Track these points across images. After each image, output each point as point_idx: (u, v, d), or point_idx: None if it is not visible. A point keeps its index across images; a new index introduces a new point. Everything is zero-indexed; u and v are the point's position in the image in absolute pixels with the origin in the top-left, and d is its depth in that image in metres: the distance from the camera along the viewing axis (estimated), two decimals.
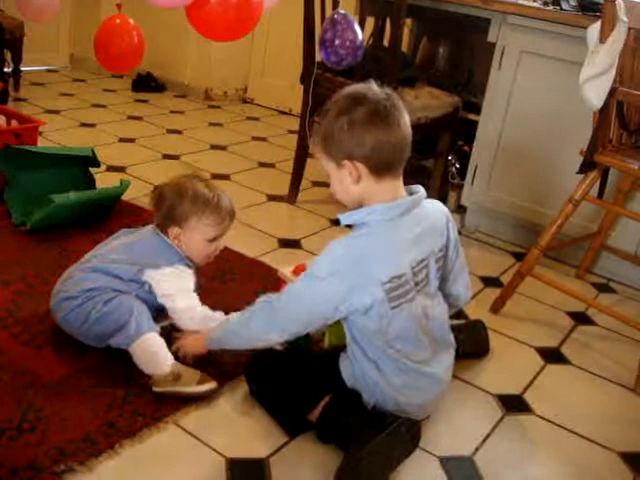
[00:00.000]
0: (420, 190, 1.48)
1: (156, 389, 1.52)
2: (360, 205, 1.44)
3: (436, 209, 1.54)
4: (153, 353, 1.54)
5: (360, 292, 1.38)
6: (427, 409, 1.57)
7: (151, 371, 1.53)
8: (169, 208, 1.66)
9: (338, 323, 1.64)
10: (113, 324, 1.56)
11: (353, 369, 1.50)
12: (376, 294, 1.39)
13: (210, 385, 1.54)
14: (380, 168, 1.40)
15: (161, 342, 1.57)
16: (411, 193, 1.47)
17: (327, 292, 1.40)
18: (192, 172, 1.78)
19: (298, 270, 1.65)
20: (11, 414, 1.40)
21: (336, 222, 2.67)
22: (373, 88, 1.40)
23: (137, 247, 1.70)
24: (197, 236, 1.67)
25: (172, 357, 1.55)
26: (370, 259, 1.39)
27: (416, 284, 1.45)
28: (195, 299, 1.67)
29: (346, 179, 1.41)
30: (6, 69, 3.76)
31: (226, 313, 1.68)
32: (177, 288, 1.65)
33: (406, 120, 1.41)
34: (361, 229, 1.42)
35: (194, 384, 1.52)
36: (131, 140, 3.39)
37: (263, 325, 1.48)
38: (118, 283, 1.63)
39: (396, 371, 1.46)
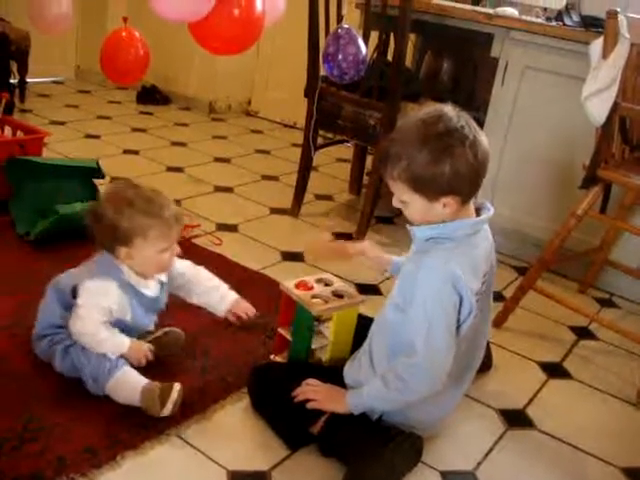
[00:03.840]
0: (490, 207, 1.46)
1: None
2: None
3: (488, 230, 1.51)
4: (124, 395, 1.50)
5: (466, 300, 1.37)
6: (434, 426, 1.57)
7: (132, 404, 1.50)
8: (110, 230, 1.54)
9: (340, 337, 1.64)
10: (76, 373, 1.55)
11: (359, 377, 1.50)
12: (473, 304, 1.38)
13: (169, 405, 1.45)
14: (473, 194, 1.40)
15: (122, 383, 1.50)
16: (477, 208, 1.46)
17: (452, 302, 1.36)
18: (125, 181, 1.60)
19: (301, 284, 1.65)
20: (13, 423, 1.40)
21: (339, 236, 2.68)
22: (450, 115, 1.34)
23: (87, 262, 1.63)
24: (148, 250, 1.56)
25: (139, 387, 1.48)
26: (464, 272, 1.36)
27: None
28: (94, 321, 1.53)
29: (437, 210, 1.37)
30: (12, 80, 3.78)
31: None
32: (85, 303, 1.54)
33: (484, 136, 1.37)
34: (444, 243, 1.38)
35: (158, 409, 1.45)
36: (135, 152, 3.40)
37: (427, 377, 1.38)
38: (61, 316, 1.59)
39: None
